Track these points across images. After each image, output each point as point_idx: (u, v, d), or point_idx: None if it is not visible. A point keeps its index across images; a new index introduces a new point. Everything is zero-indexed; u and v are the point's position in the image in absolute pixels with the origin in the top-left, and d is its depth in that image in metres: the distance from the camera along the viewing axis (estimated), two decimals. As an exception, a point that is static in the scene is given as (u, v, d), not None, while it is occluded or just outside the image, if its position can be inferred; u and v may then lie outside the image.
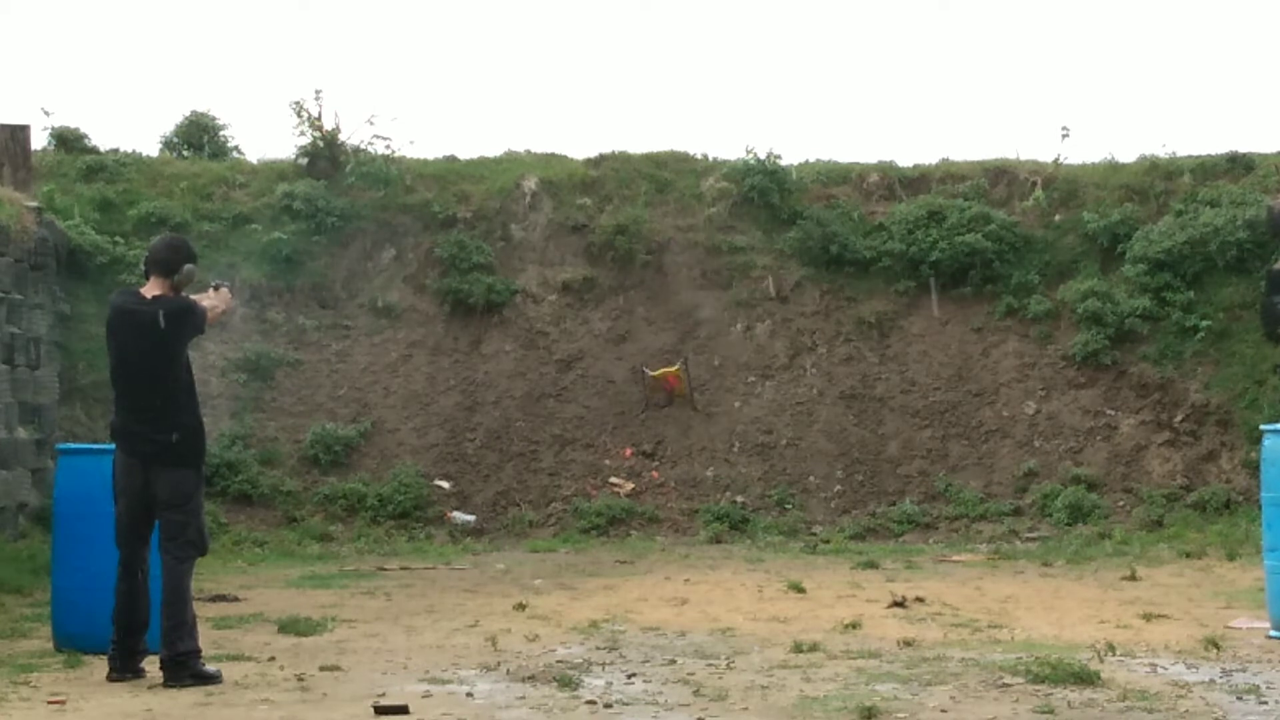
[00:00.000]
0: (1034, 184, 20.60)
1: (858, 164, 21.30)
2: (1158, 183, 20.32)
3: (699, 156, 21.51)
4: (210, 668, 8.35)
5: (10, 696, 7.85)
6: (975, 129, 36.71)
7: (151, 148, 21.81)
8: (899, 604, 11.57)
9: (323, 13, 39.67)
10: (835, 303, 19.76)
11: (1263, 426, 10.53)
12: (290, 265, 19.47)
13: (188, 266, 8.58)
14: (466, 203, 20.41)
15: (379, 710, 7.34)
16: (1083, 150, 33.76)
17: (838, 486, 18.23)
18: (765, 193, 20.36)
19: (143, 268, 8.73)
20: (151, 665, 8.38)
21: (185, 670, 8.20)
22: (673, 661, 9.02)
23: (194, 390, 8.58)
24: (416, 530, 17.30)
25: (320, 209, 19.81)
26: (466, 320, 19.52)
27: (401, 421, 18.61)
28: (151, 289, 8.57)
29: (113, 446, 8.70)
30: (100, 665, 8.68)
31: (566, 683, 8.12)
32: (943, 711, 7.40)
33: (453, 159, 21.55)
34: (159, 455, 8.38)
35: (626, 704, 7.62)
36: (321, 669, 8.67)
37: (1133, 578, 13.34)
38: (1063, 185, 20.54)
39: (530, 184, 20.65)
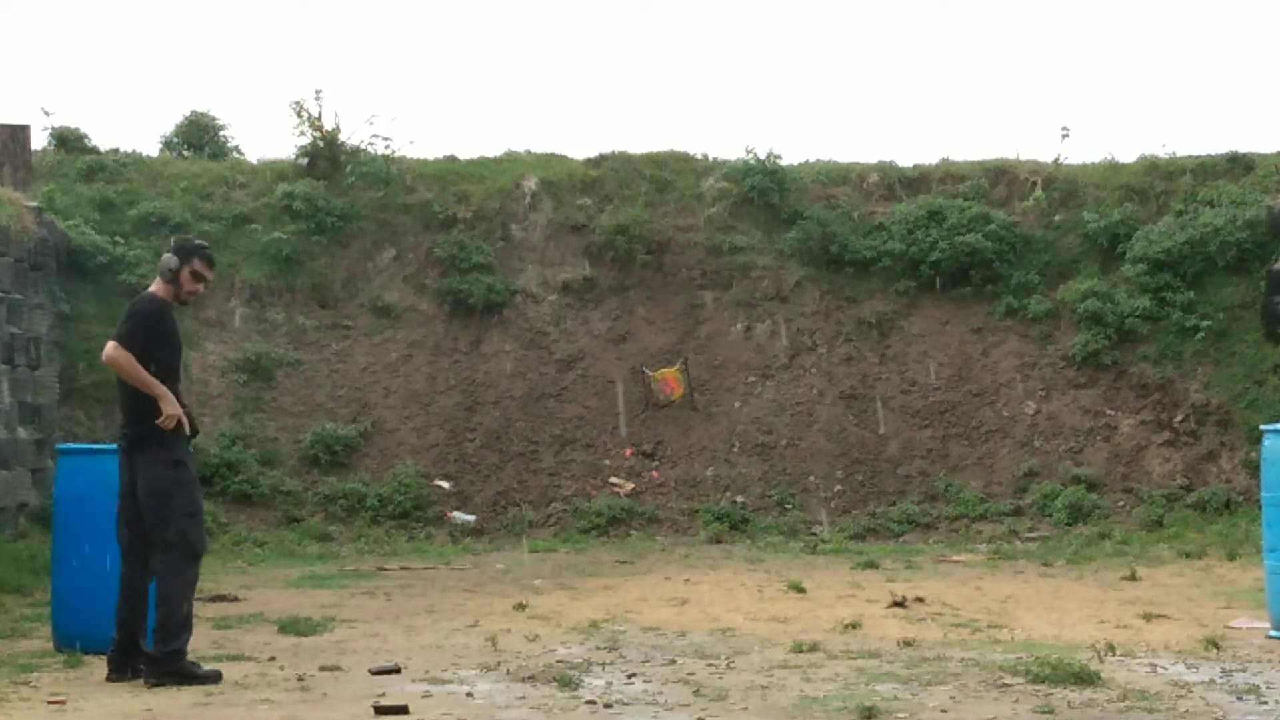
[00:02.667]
0: (1034, 184, 20.60)
1: (858, 164, 21.31)
2: (1158, 183, 20.32)
3: (699, 156, 21.52)
4: (208, 668, 8.34)
5: (10, 696, 7.85)
6: (975, 129, 36.77)
7: (151, 148, 21.88)
8: (899, 604, 11.56)
9: (323, 13, 39.71)
10: (835, 303, 19.76)
11: (1263, 426, 10.53)
12: (290, 265, 19.47)
13: (165, 256, 8.62)
14: (466, 203, 20.41)
15: (379, 710, 7.34)
16: (1083, 150, 33.85)
17: (838, 486, 18.23)
18: (765, 193, 20.37)
19: None
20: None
21: (162, 668, 8.19)
22: (673, 661, 9.02)
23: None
24: (416, 530, 17.29)
25: (320, 209, 19.82)
26: (466, 320, 19.52)
27: (401, 421, 18.61)
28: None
29: (113, 446, 8.76)
30: (100, 665, 8.68)
31: (566, 683, 8.12)
32: (943, 711, 7.40)
33: (453, 159, 21.55)
34: (133, 445, 8.45)
35: (626, 704, 7.62)
36: (321, 669, 8.67)
37: (1133, 578, 13.34)
38: (1063, 185, 20.54)
39: (530, 184, 20.66)
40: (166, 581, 8.31)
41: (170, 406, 8.34)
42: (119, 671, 8.35)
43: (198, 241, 8.92)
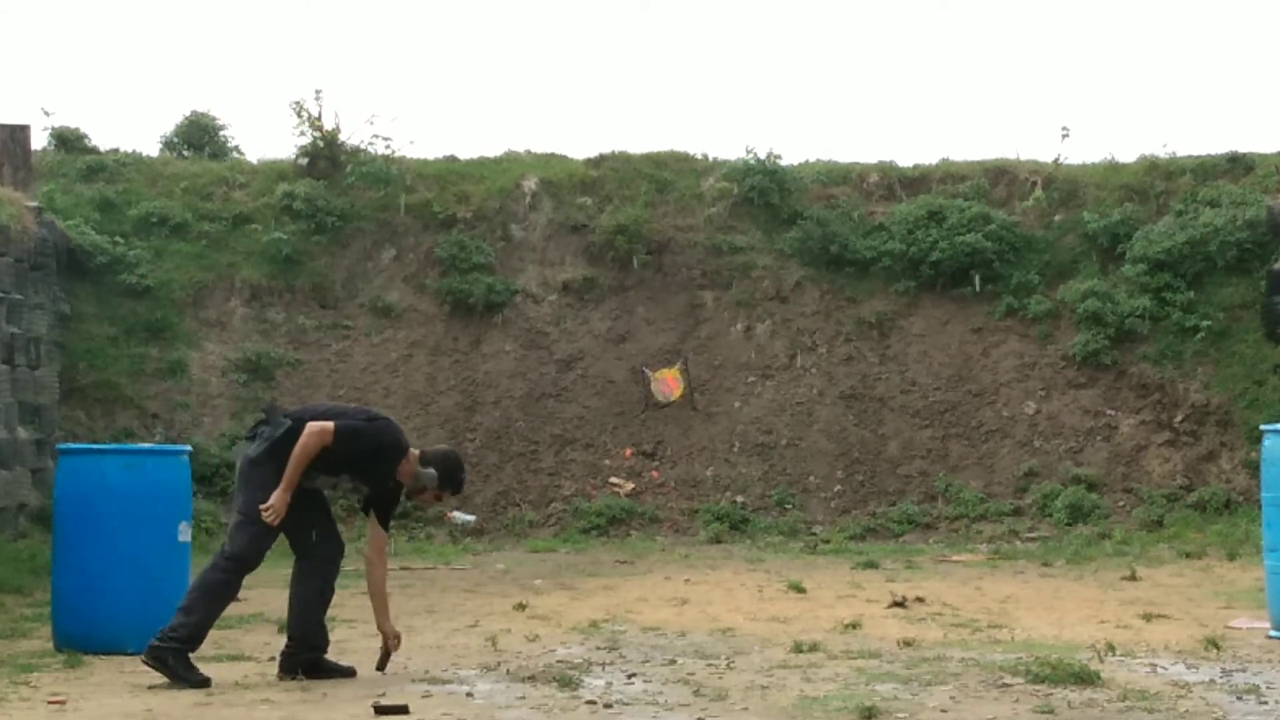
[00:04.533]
0: (1034, 184, 20.59)
1: (858, 164, 21.29)
2: (1158, 183, 20.32)
3: (699, 156, 21.50)
4: (198, 673, 8.11)
5: (10, 696, 7.84)
6: (975, 129, 36.74)
7: (151, 148, 21.86)
8: (899, 604, 11.57)
9: (323, 13, 39.69)
10: (835, 303, 19.76)
11: (1263, 426, 10.53)
12: (290, 265, 19.47)
13: (429, 471, 8.32)
14: (466, 203, 20.41)
15: (379, 710, 7.34)
16: (1083, 150, 33.77)
17: (838, 486, 18.23)
18: (765, 193, 20.36)
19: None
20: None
21: (158, 654, 8.06)
22: (673, 661, 9.02)
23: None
24: (416, 530, 17.30)
25: (320, 209, 19.81)
26: (466, 320, 19.51)
27: (402, 421, 18.46)
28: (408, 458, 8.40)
29: (113, 447, 8.74)
30: (100, 665, 8.70)
31: (566, 683, 8.12)
32: (943, 711, 7.40)
33: (453, 159, 21.53)
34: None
35: (626, 704, 7.62)
36: (321, 669, 8.66)
37: (1133, 578, 13.34)
38: (1063, 185, 20.53)
39: (530, 184, 20.65)
40: (207, 573, 8.27)
41: (280, 503, 8.11)
42: (287, 671, 8.33)
43: (461, 476, 8.57)
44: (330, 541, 8.49)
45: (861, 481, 18.29)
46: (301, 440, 8.10)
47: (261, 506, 8.15)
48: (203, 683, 8.06)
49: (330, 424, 8.17)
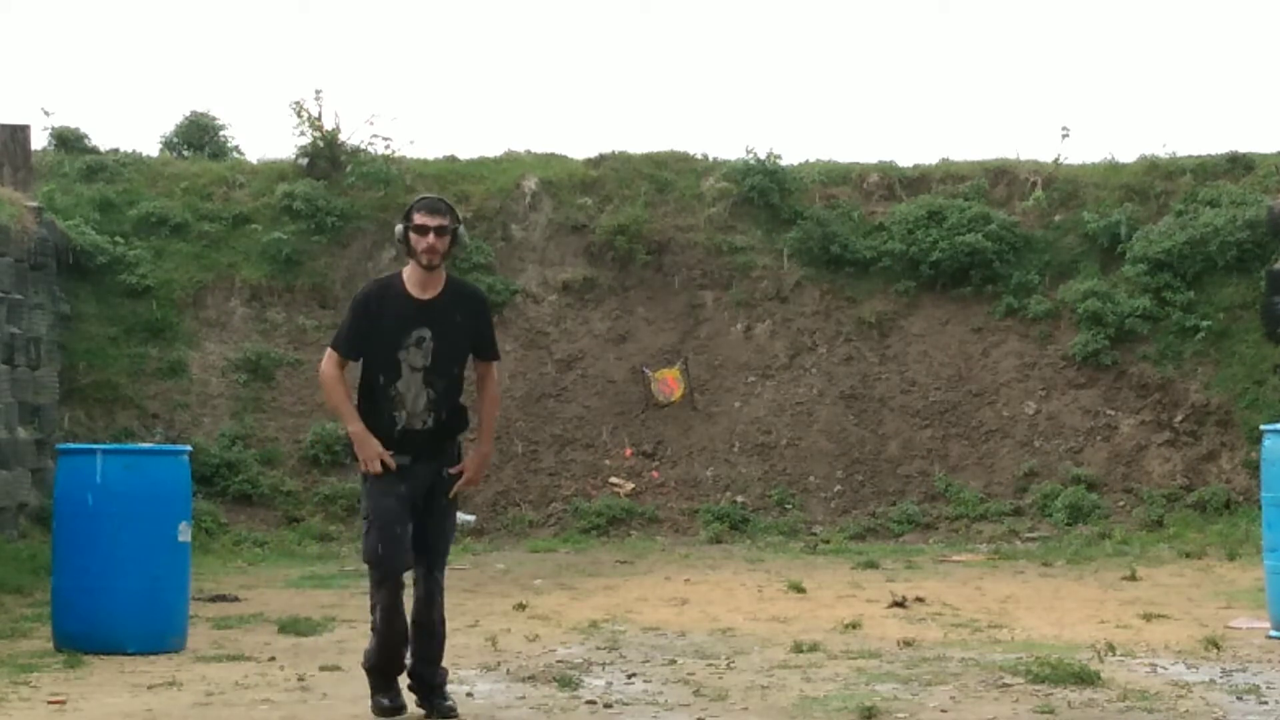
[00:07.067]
0: (1034, 184, 20.58)
1: (858, 164, 21.28)
2: (1158, 183, 20.31)
3: (699, 156, 21.49)
4: (382, 699, 7.24)
5: (10, 696, 7.85)
6: (975, 129, 36.73)
7: (151, 148, 21.84)
8: (899, 604, 11.57)
9: (323, 13, 39.69)
10: (835, 303, 19.76)
11: (1263, 426, 10.54)
12: (290, 265, 19.47)
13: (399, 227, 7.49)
14: (466, 203, 20.39)
15: None
16: (1083, 150, 33.71)
17: (838, 486, 18.23)
18: (765, 193, 20.35)
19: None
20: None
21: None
22: (673, 661, 9.02)
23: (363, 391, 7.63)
24: (416, 530, 17.26)
25: (320, 209, 19.80)
26: (466, 320, 19.48)
27: (401, 421, 18.59)
28: None
29: (113, 447, 8.70)
30: (99, 665, 8.69)
31: (566, 683, 8.12)
32: (943, 711, 7.40)
33: (453, 159, 21.53)
34: None
35: (626, 704, 7.62)
36: (321, 669, 8.66)
37: (1133, 578, 13.34)
38: (1063, 185, 20.52)
39: (530, 184, 20.65)
40: (371, 593, 7.35)
41: (363, 449, 7.40)
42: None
43: (420, 196, 7.59)
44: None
45: (861, 481, 18.29)
46: (322, 384, 7.47)
47: (362, 469, 7.41)
48: (386, 710, 7.21)
49: (329, 349, 7.58)
